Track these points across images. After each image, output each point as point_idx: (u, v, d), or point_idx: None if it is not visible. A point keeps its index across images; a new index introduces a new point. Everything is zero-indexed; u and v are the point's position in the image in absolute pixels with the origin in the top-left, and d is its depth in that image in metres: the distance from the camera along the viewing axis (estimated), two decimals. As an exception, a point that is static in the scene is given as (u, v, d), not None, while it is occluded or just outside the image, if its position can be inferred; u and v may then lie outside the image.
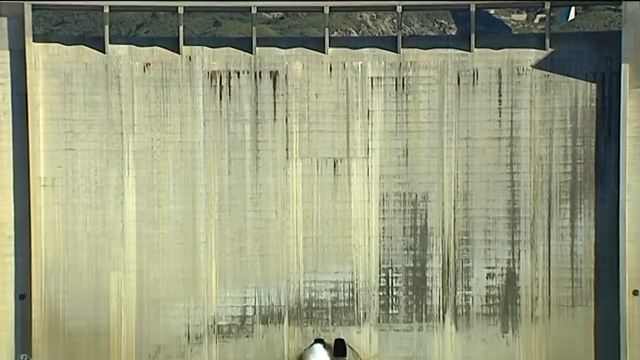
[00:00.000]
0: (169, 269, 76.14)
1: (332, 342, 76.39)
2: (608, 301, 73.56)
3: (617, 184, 72.91)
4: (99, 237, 75.28)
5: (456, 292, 76.53)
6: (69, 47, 74.97)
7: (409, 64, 76.43)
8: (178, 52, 75.87)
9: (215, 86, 76.26)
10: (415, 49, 76.65)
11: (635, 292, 72.12)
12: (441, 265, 76.64)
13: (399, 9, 76.34)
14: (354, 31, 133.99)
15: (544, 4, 76.13)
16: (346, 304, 77.00)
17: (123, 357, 75.20)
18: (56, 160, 74.22)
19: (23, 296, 73.33)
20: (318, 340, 76.65)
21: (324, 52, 76.52)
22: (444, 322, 76.52)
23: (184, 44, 75.93)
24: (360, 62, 76.60)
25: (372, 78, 76.57)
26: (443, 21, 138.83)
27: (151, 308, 75.90)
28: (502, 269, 76.16)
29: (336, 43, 77.34)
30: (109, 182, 75.47)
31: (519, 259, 75.87)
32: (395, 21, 75.86)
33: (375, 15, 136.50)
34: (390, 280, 77.04)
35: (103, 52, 75.24)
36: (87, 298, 74.86)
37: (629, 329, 71.97)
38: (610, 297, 73.30)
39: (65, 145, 74.47)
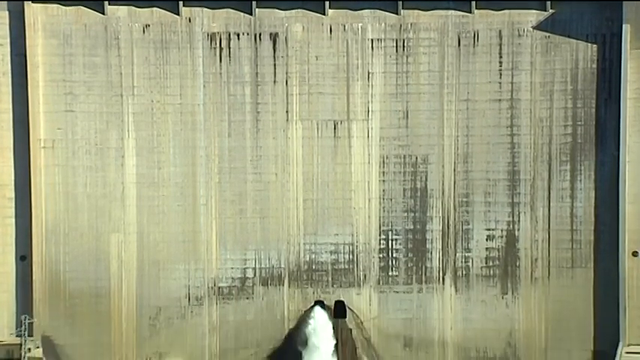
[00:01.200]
0: (169, 231, 76.25)
1: (332, 304, 76.59)
2: (607, 263, 73.65)
3: (617, 145, 72.76)
4: (99, 199, 75.37)
5: (455, 254, 76.67)
6: (68, 8, 74.65)
7: (409, 25, 76.14)
8: (178, 14, 75.59)
9: (215, 48, 76.02)
10: (416, 11, 76.27)
11: (634, 254, 72.26)
12: (440, 227, 76.73)
13: (400, -30, 76.22)
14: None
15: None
16: (346, 266, 77.19)
17: (123, 318, 75.49)
18: (56, 121, 74.15)
19: (24, 258, 73.55)
20: (318, 302, 76.86)
21: (324, 14, 76.21)
22: (443, 283, 76.71)
23: (184, 5, 75.55)
24: (360, 24, 76.31)
25: (372, 40, 76.29)
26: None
27: (151, 270, 76.11)
28: (502, 231, 76.23)
29: (336, 4, 76.86)
30: (109, 144, 75.45)
31: (519, 220, 75.92)
32: (395, -17, 75.75)
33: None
34: (389, 242, 77.16)
35: (103, 14, 74.95)
36: (87, 260, 75.05)
37: (628, 290, 72.12)
38: (609, 258, 73.38)
39: (65, 107, 74.37)
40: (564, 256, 75.30)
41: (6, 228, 73.32)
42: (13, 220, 73.31)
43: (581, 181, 74.87)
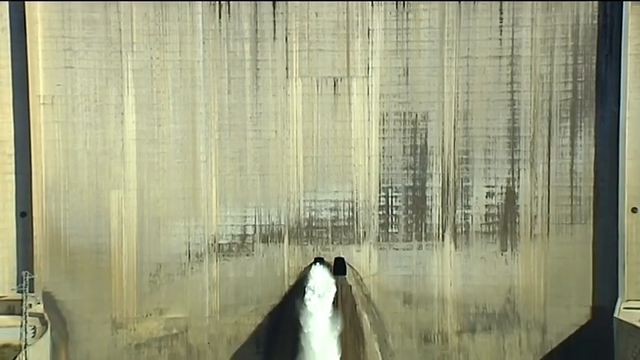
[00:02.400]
0: (169, 188, 76.32)
1: (332, 260, 76.82)
2: (607, 219, 73.85)
3: (617, 102, 72.72)
4: (99, 156, 75.33)
5: (455, 211, 76.79)
6: (67, -37, 74.45)
7: (410, -19, 76.01)
8: (177, -30, 75.38)
9: (214, 4, 75.61)
10: (416, -33, 76.12)
11: (634, 210, 72.38)
12: (440, 185, 76.80)
13: None
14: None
15: None
16: (346, 223, 77.31)
17: (124, 275, 75.69)
18: (55, 78, 73.96)
19: (24, 214, 73.60)
20: (318, 259, 77.09)
21: (324, -30, 76.03)
22: (443, 240, 76.90)
23: (183, -39, 75.41)
24: (360, -20, 76.15)
25: (372, -4, 76.23)
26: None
27: (151, 227, 76.22)
28: (502, 188, 76.33)
29: (336, -40, 76.75)
30: (109, 101, 75.29)
31: (519, 177, 75.98)
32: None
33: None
34: (389, 199, 77.24)
35: (102, -31, 74.78)
36: (88, 217, 75.13)
37: (627, 246, 72.31)
38: (609, 215, 73.56)
39: (64, 63, 74.12)
40: (564, 212, 75.44)
41: (6, 184, 73.30)
42: (13, 176, 73.30)
43: (581, 137, 74.84)
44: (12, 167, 73.21)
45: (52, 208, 74.15)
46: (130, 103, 75.39)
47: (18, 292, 69.23)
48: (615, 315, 70.63)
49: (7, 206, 73.30)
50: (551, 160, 75.24)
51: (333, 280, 75.68)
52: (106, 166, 75.37)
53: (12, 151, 73.06)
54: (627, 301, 72.00)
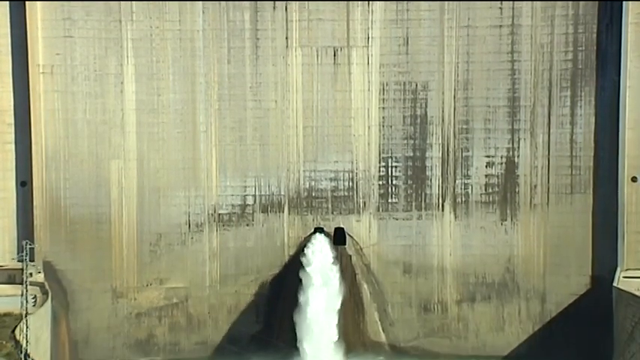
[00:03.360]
0: (169, 158, 76.34)
1: (332, 230, 76.98)
2: (606, 188, 73.90)
3: (617, 71, 72.51)
4: (99, 125, 75.24)
5: (455, 181, 76.86)
6: None
7: (410, -50, 75.74)
8: (176, -62, 75.08)
9: (214, -27, 75.59)
10: None
11: (633, 179, 72.36)
12: (440, 155, 76.84)
13: None
14: None
15: None
16: (346, 194, 77.40)
17: (124, 244, 75.77)
18: (55, 47, 73.69)
19: (24, 183, 73.57)
20: (318, 229, 77.20)
21: (324, -62, 75.72)
22: (443, 210, 77.00)
23: None
24: (360, -51, 75.91)
25: (372, -35, 75.97)
26: None
27: (151, 197, 76.27)
28: (501, 158, 76.38)
29: None
30: (108, 70, 75.10)
31: (519, 147, 76.02)
32: None
33: None
34: (389, 169, 77.29)
35: (101, -63, 74.43)
36: (88, 186, 75.13)
37: (627, 216, 72.31)
38: (609, 184, 73.59)
39: (63, 32, 73.82)
40: (563, 182, 75.50)
41: (6, 154, 73.21)
42: (13, 146, 73.19)
43: (581, 107, 74.79)
44: (12, 137, 73.11)
45: (52, 177, 74.13)
46: (129, 73, 75.25)
47: (18, 261, 69.07)
48: (614, 284, 70.63)
49: (7, 176, 73.23)
50: (551, 130, 75.25)
51: (332, 250, 75.92)
52: (105, 136, 75.31)
53: (11, 120, 72.94)
54: (626, 270, 72.09)
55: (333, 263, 75.25)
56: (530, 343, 75.77)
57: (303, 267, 74.84)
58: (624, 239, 72.32)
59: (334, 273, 74.73)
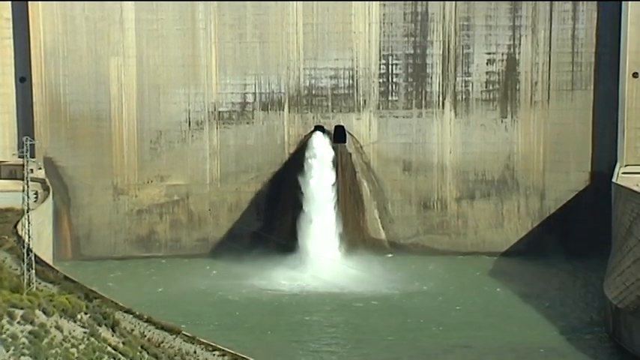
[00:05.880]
0: (169, 55, 75.86)
1: (332, 129, 76.94)
2: (607, 84, 73.73)
3: (619, -35, 72.08)
4: (97, 22, 74.57)
5: (455, 79, 76.56)
6: None
7: None
8: None
9: None
10: None
11: (634, 75, 72.14)
12: (441, 52, 76.39)
13: None
14: None
15: None
16: (346, 91, 77.17)
17: (125, 142, 75.73)
18: (50, -62, 72.92)
19: (23, 79, 73.29)
20: (318, 127, 77.17)
21: None
22: (443, 108, 76.86)
23: None
24: None
25: None
26: None
27: (151, 94, 76.03)
28: (502, 55, 76.00)
29: None
30: (106, -35, 74.47)
31: (520, 44, 75.58)
32: None
33: None
34: (390, 66, 76.92)
35: None
36: (87, 83, 74.82)
37: (627, 112, 72.33)
38: (609, 80, 73.43)
39: None
40: (564, 78, 75.22)
41: (5, 49, 72.75)
42: (12, 41, 72.67)
43: (583, 2, 74.09)
44: (10, 32, 72.59)
45: (52, 73, 73.81)
46: (127, -32, 74.47)
47: (19, 157, 68.82)
48: (614, 180, 70.75)
49: (7, 71, 72.89)
50: (552, 26, 74.72)
51: (332, 148, 76.01)
52: (104, 32, 74.80)
53: (9, 15, 72.36)
54: (626, 166, 72.34)
55: (332, 161, 75.57)
56: (528, 239, 76.35)
57: (303, 165, 75.05)
58: (624, 135, 72.43)
59: (333, 170, 75.08)
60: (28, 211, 57.69)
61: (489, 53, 76.04)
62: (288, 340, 56.51)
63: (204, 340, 47.25)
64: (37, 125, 73.17)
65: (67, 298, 34.01)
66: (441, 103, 76.73)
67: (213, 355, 46.35)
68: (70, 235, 74.25)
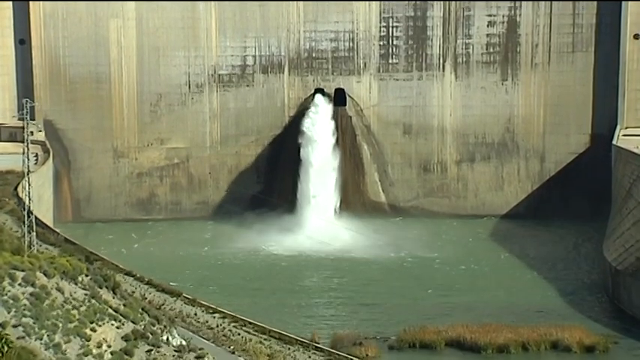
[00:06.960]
0: (169, 17, 75.54)
1: (332, 91, 76.80)
2: (608, 46, 73.50)
3: None
4: (96, -17, 74.50)
5: (456, 41, 76.27)
6: None
7: None
8: None
9: None
10: None
11: (635, 36, 71.97)
12: (441, 14, 76.05)
13: None
14: None
15: None
16: (346, 54, 76.92)
17: (124, 104, 75.64)
18: None
19: (23, 41, 73.10)
20: (319, 90, 77.00)
21: None
22: (443, 70, 76.65)
23: None
24: None
25: None
26: None
27: (151, 56, 75.78)
28: (503, 17, 75.65)
29: None
30: None
31: (521, 6, 75.17)
32: None
33: None
34: (390, 29, 76.63)
35: None
36: (87, 45, 74.57)
37: (627, 73, 72.24)
38: (610, 42, 73.19)
39: None
40: (565, 40, 74.99)
41: (4, 11, 72.52)
42: (10, 2, 72.39)
43: (584, -38, 74.05)
44: (8, -7, 72.33)
45: (51, 36, 73.60)
46: None
47: (19, 119, 69.00)
48: (614, 142, 70.74)
49: (6, 33, 72.73)
50: (554, -14, 74.46)
51: (332, 111, 75.92)
52: (103, -6, 74.52)
53: (8, -23, 72.08)
54: (626, 128, 72.36)
55: (333, 124, 75.44)
56: (528, 201, 76.49)
57: (304, 128, 74.98)
58: (624, 97, 72.36)
59: (333, 132, 75.05)
60: (28, 174, 57.81)
61: (490, 15, 75.73)
62: (287, 304, 56.62)
63: (205, 303, 47.59)
64: (37, 88, 73.12)
65: (67, 261, 34.11)
66: (441, 66, 76.53)
67: (214, 317, 46.71)
68: (70, 198, 74.40)
